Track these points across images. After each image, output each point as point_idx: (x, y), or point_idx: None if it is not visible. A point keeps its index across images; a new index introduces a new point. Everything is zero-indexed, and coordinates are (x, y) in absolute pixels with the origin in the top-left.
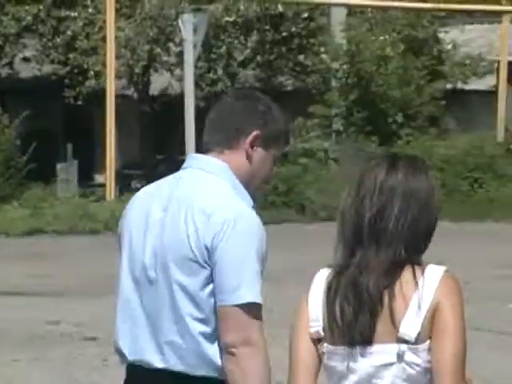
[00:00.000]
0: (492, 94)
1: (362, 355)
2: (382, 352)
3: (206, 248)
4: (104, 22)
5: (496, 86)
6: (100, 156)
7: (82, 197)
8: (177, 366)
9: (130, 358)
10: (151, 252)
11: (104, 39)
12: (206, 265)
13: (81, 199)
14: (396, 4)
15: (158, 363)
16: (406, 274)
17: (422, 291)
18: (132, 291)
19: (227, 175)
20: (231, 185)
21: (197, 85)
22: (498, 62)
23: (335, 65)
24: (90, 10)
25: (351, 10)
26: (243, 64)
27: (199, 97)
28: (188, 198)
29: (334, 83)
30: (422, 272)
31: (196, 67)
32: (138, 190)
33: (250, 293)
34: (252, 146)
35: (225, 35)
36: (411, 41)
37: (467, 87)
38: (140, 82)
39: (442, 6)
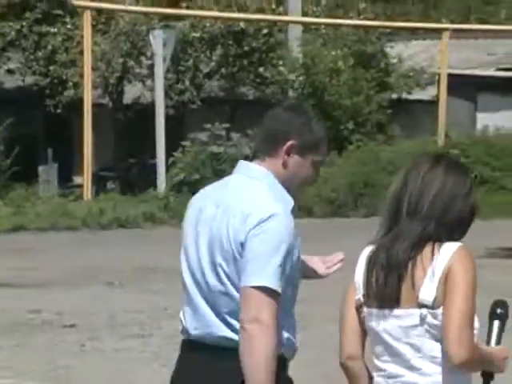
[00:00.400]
0: (433, 103)
1: (391, 317)
2: (407, 315)
3: (241, 244)
4: (81, 37)
5: (437, 96)
6: (78, 159)
7: (62, 196)
8: (227, 332)
9: (193, 333)
10: (204, 244)
11: (81, 53)
12: (240, 257)
13: (60, 199)
14: (347, 22)
15: (217, 332)
16: (427, 248)
17: (436, 261)
18: (189, 277)
19: (269, 180)
20: (270, 188)
21: (166, 94)
22: (439, 74)
23: (292, 76)
24: (69, 27)
25: (306, 27)
26: (208, 75)
27: (168, 105)
28: (233, 200)
29: (290, 93)
30: (440, 247)
31: (165, 78)
32: (112, 190)
33: (267, 279)
34: (288, 154)
35: (192, 49)
36: (360, 55)
37: (411, 97)
38: (114, 91)
39: (388, 23)
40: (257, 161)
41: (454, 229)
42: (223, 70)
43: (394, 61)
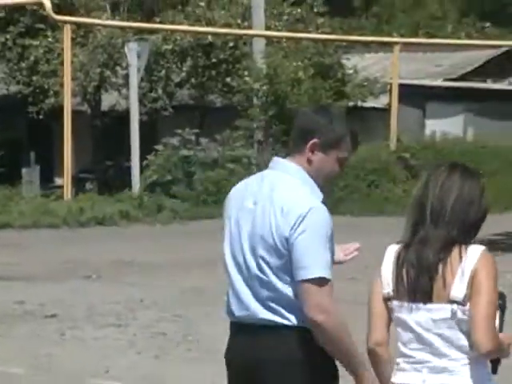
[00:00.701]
0: (386, 110)
1: (423, 310)
2: (440, 309)
3: (286, 239)
4: (62, 49)
5: (389, 104)
6: (58, 162)
7: (44, 196)
8: (267, 314)
9: (237, 314)
10: (246, 236)
11: (62, 64)
12: (285, 251)
13: (42, 198)
14: (306, 36)
15: (258, 314)
16: (455, 250)
17: (465, 263)
18: (231, 265)
19: (300, 174)
20: (302, 182)
21: (140, 102)
22: (391, 84)
23: (256, 85)
24: (50, 40)
25: (269, 40)
26: (179, 85)
27: (142, 112)
28: (270, 195)
29: (255, 101)
30: (466, 250)
31: (139, 87)
32: (90, 190)
33: (319, 270)
34: (312, 151)
35: (164, 61)
36: (319, 66)
37: (365, 105)
38: (92, 99)
39: (344, 37)
40: (289, 157)
41: (472, 230)
42: (193, 80)
43: (350, 72)
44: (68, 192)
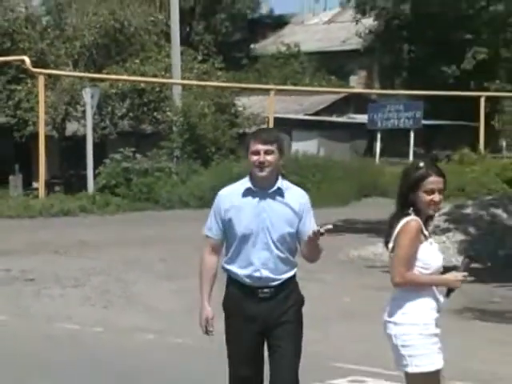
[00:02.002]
0: None
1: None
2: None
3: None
4: (38, 92)
5: None
6: (35, 171)
7: (25, 195)
8: (274, 273)
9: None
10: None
11: (38, 102)
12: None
13: (24, 197)
14: (210, 84)
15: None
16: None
17: (396, 227)
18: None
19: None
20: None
21: (94, 130)
22: (268, 117)
23: (175, 118)
24: (29, 85)
25: (184, 86)
26: (121, 117)
27: (95, 137)
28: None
29: (174, 129)
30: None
31: (93, 119)
32: (58, 191)
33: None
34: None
35: (110, 101)
36: (219, 105)
37: (251, 131)
38: (59, 127)
39: (236, 85)
40: None
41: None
42: (131, 114)
43: (240, 109)
44: (42, 192)
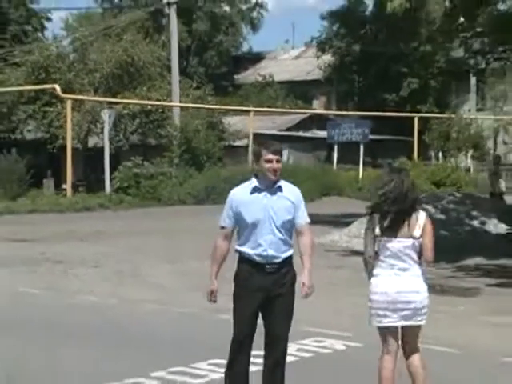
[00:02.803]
0: (247, 147)
1: (396, 241)
2: (405, 241)
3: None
4: (66, 113)
5: (248, 144)
6: (64, 176)
7: (56, 194)
8: (277, 252)
9: (269, 254)
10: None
11: (66, 121)
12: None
13: (55, 196)
14: (203, 106)
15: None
16: (414, 214)
17: (418, 220)
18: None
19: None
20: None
21: (110, 143)
22: (249, 133)
23: (175, 133)
24: (59, 107)
25: (182, 109)
26: (132, 133)
27: (111, 148)
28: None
29: (174, 142)
30: (419, 213)
31: (110, 134)
32: (82, 192)
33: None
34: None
35: (123, 119)
36: (210, 123)
37: (235, 144)
38: (83, 141)
39: (223, 107)
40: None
41: (416, 204)
42: (139, 130)
43: (226, 126)
44: (69, 192)
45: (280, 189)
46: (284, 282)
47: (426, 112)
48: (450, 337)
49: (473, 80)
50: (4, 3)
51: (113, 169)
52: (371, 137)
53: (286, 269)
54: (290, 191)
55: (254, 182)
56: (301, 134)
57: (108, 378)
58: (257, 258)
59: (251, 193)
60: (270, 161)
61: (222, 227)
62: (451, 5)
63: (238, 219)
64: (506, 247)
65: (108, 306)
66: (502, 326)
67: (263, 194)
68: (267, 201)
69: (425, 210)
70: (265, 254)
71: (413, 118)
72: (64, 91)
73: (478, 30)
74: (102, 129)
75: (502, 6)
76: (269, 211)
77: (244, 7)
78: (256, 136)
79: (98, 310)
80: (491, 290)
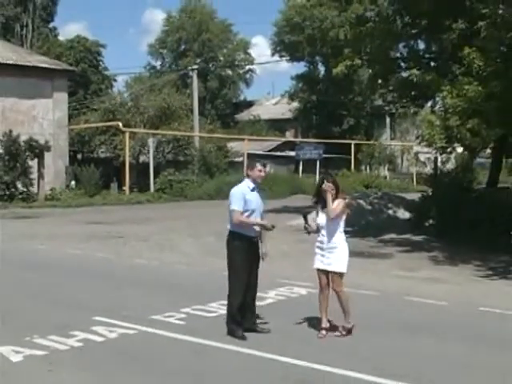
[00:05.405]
0: (243, 162)
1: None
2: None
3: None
4: (125, 140)
5: (243, 160)
6: (123, 181)
7: (118, 193)
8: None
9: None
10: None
11: (125, 146)
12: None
13: (118, 194)
14: (213, 135)
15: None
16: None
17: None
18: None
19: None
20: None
21: (153, 159)
22: (244, 153)
23: (196, 153)
24: (121, 137)
25: (200, 137)
26: (168, 153)
27: (154, 163)
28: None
29: (195, 159)
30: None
31: (153, 154)
32: (135, 191)
33: (233, 206)
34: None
35: (162, 144)
36: (218, 146)
37: (236, 160)
38: (136, 158)
39: (226, 136)
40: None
41: (338, 194)
42: (172, 151)
43: (230, 148)
44: (127, 191)
45: (261, 189)
46: (258, 247)
47: (359, 140)
48: (373, 284)
49: (387, 120)
50: (88, 71)
51: (155, 176)
52: (324, 155)
53: (259, 240)
54: (263, 191)
55: (249, 183)
56: (278, 153)
57: (152, 311)
58: (251, 234)
59: (251, 190)
60: (260, 171)
61: (237, 210)
62: (373, 72)
63: (245, 206)
64: (409, 227)
65: (153, 266)
66: (406, 278)
67: (255, 191)
68: (258, 196)
69: (344, 199)
70: (256, 230)
71: (350, 144)
72: (124, 126)
73: (390, 88)
74: (148, 150)
75: (404, 74)
76: (258, 202)
77: (241, 71)
78: (249, 155)
79: (146, 269)
80: (400, 255)
